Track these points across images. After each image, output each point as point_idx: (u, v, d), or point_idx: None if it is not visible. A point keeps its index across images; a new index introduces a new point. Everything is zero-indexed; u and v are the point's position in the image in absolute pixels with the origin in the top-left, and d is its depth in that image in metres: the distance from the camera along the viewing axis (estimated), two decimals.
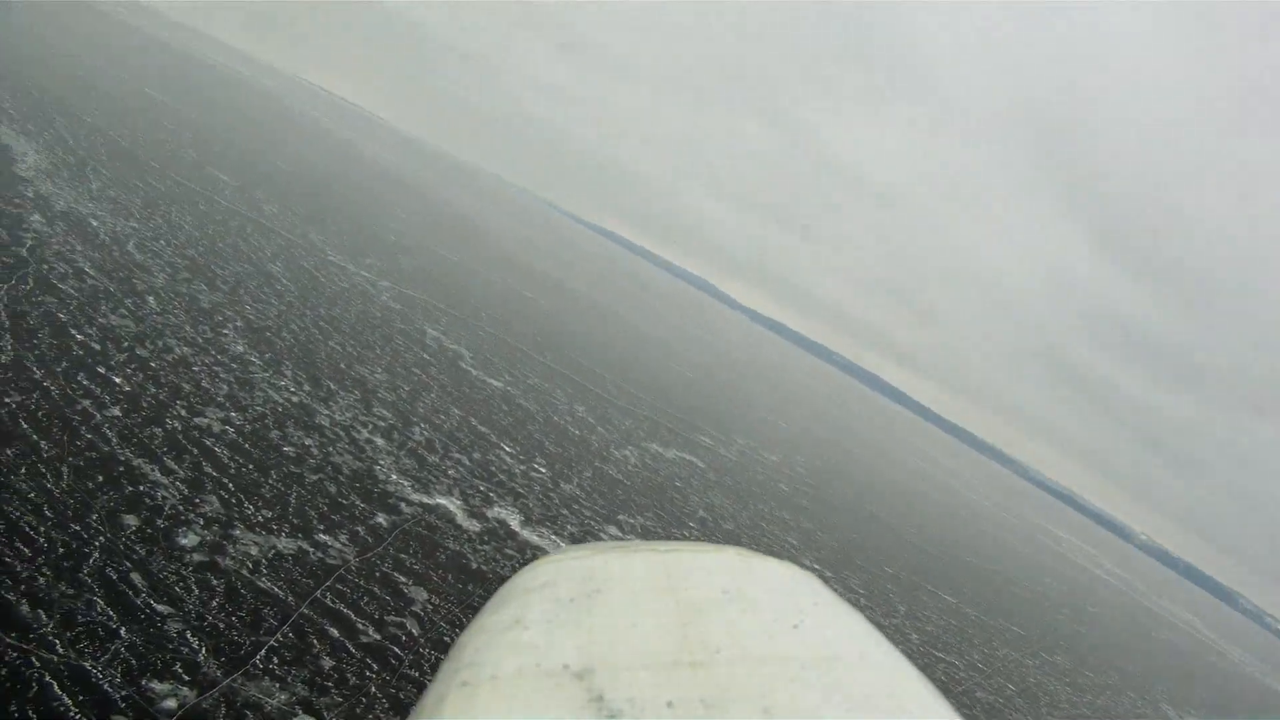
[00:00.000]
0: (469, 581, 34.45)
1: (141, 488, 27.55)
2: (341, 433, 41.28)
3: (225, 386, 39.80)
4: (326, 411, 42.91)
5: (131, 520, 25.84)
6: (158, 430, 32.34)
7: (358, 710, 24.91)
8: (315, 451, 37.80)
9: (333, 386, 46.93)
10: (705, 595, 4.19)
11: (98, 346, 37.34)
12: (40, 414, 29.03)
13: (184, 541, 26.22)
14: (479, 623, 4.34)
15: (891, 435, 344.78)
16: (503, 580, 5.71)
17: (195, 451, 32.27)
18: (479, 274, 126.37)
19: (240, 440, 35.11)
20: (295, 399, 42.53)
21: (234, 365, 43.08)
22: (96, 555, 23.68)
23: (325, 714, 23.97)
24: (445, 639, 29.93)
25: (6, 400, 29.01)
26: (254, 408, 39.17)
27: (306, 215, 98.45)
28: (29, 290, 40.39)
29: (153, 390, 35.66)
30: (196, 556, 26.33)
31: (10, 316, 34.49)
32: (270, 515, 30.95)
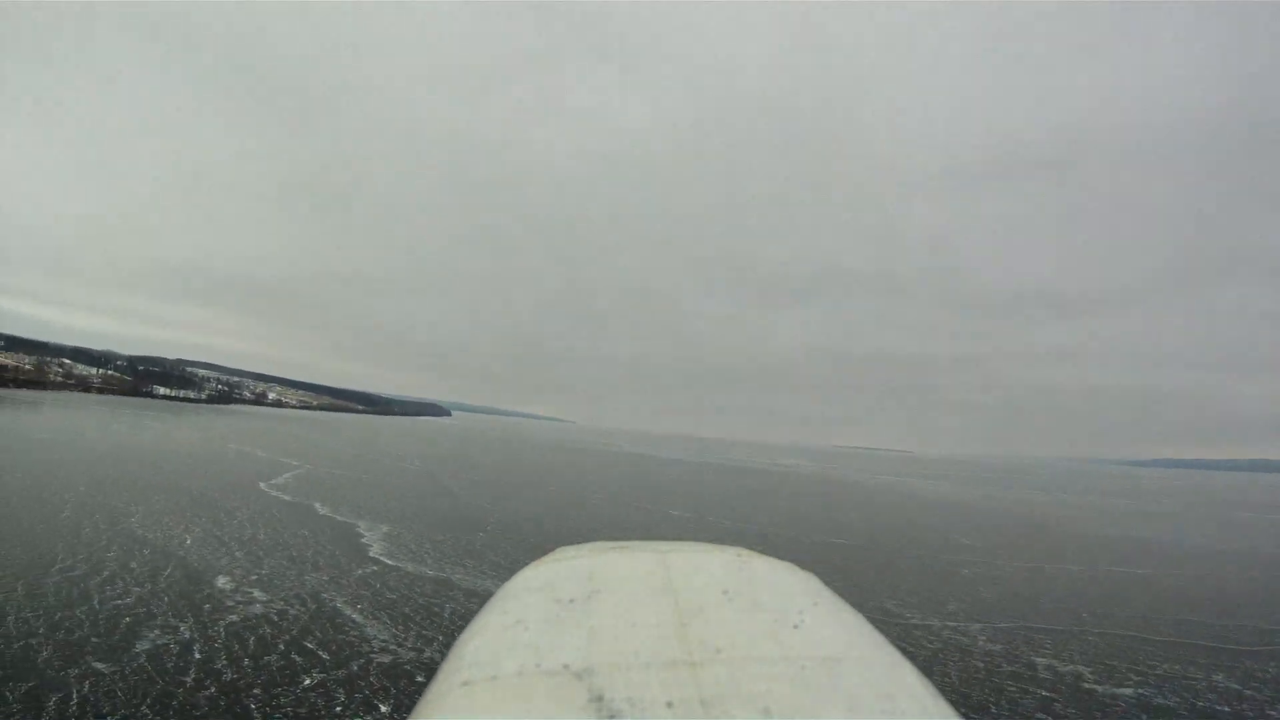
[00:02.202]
0: None
1: None
2: None
3: None
4: None
5: None
6: None
7: None
8: None
9: None
10: (705, 595, 4.50)
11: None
12: None
13: None
14: (479, 622, 4.74)
15: None
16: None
17: None
18: (1063, 573, 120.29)
19: None
20: None
21: None
22: None
23: None
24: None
25: None
26: None
27: (873, 583, 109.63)
28: None
29: None
30: None
31: None
32: None
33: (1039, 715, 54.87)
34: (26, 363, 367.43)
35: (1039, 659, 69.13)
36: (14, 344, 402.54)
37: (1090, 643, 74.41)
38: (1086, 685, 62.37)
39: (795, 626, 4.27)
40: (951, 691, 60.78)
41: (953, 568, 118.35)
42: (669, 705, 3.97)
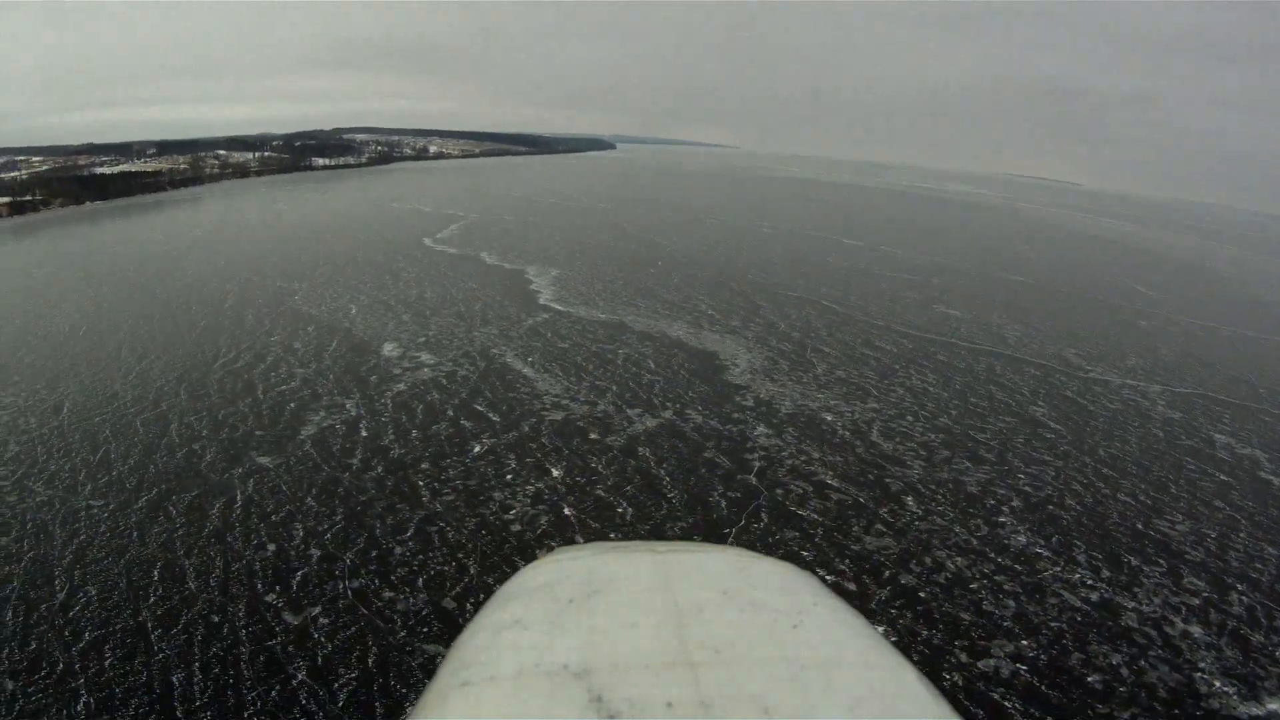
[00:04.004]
0: None
1: None
2: (1152, 632, 37.86)
3: (1011, 604, 38.55)
4: (1132, 604, 39.68)
5: None
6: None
7: None
8: (1125, 673, 35.13)
9: (1133, 562, 43.47)
10: (704, 596, 5.59)
11: (852, 586, 39.46)
12: None
13: None
14: (479, 622, 5.92)
15: None
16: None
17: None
18: (1240, 338, 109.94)
19: (1039, 683, 34.13)
20: (1094, 596, 39.95)
21: (1018, 567, 41.72)
22: None
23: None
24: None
25: None
26: (1048, 624, 37.42)
27: (1052, 327, 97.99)
28: (764, 528, 44.01)
29: (925, 633, 35.91)
30: None
31: None
32: None
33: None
34: (181, 162, 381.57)
35: (1218, 435, 64.58)
36: (165, 148, 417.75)
37: (1266, 424, 68.58)
38: (1263, 475, 57.03)
39: (794, 627, 5.20)
40: (1133, 459, 58.06)
41: (1131, 318, 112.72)
42: (669, 705, 4.47)
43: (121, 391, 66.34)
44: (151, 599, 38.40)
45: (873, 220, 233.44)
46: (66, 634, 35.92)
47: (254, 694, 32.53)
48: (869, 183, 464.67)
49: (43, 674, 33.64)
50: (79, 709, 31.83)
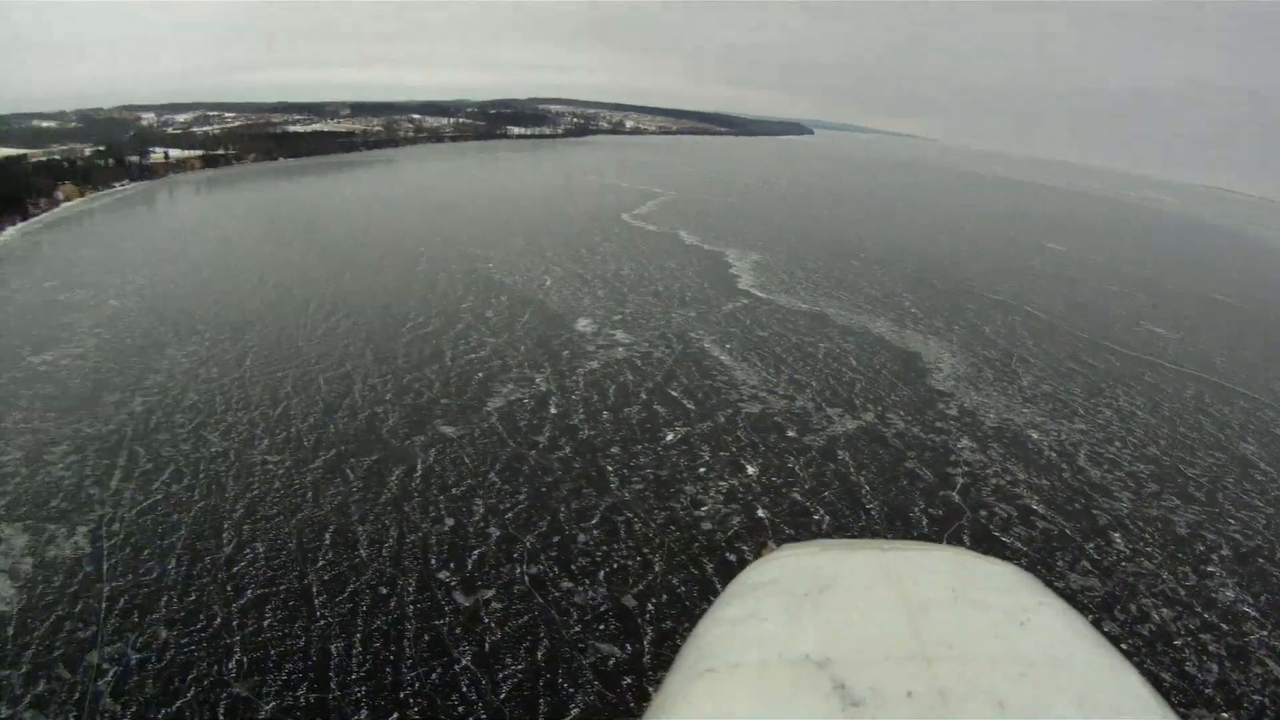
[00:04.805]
0: None
1: None
2: None
3: (1214, 668, 35.97)
4: None
5: None
6: None
7: None
8: None
9: None
10: (930, 593, 5.90)
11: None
12: None
13: None
14: (714, 615, 6.34)
15: None
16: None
17: None
18: None
19: None
20: None
21: (1224, 626, 38.92)
22: None
23: None
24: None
25: None
26: (1250, 696, 34.47)
27: (1263, 359, 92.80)
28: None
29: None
30: None
31: None
32: None
33: None
34: (375, 124, 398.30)
35: None
36: (359, 109, 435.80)
37: None
38: None
39: (1021, 625, 5.49)
40: None
41: None
42: (908, 695, 4.74)
43: (306, 348, 68.07)
44: (320, 563, 38.18)
45: (1077, 225, 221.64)
46: (228, 589, 36.14)
47: (414, 674, 31.65)
48: (1063, 184, 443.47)
49: (198, 626, 33.84)
50: (230, 666, 31.76)
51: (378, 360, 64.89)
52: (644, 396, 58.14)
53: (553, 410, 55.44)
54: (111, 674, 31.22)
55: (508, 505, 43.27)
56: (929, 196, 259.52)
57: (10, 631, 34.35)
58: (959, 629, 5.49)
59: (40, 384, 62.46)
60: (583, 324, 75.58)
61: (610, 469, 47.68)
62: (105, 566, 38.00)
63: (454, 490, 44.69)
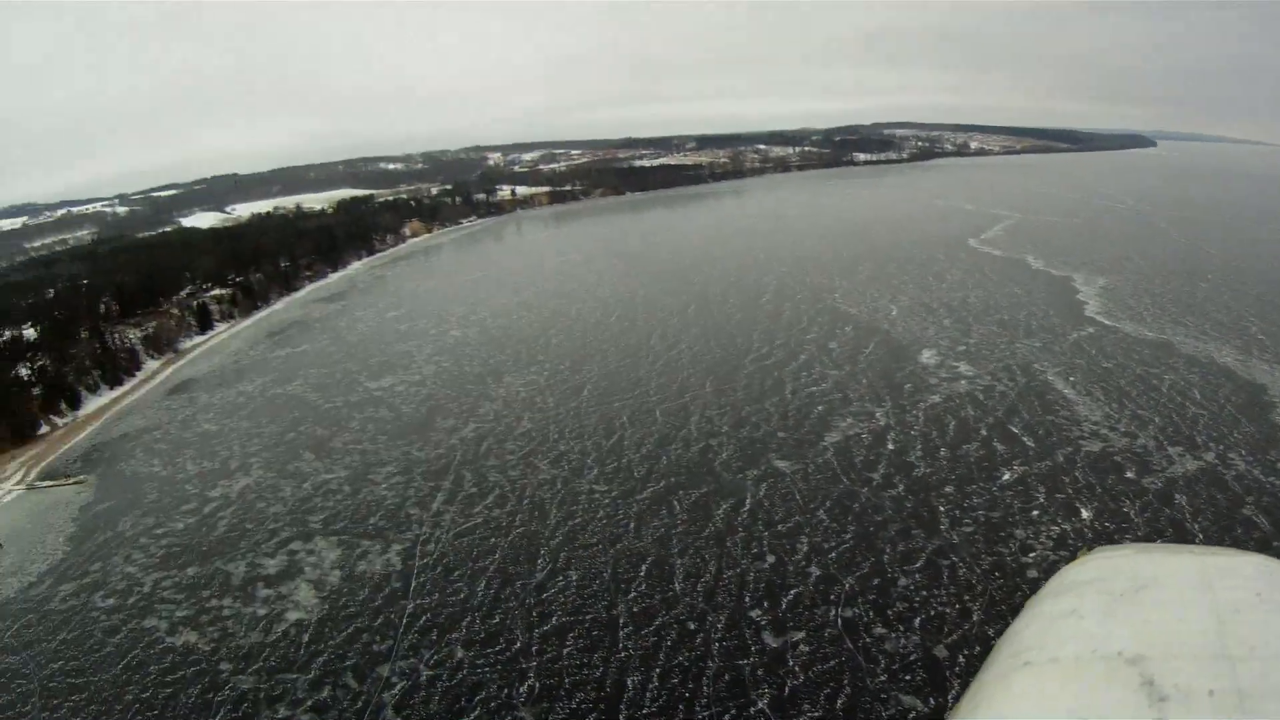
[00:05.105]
0: None
1: None
2: None
3: None
4: None
5: None
6: None
7: None
8: None
9: None
10: (1241, 597, 6.22)
11: None
12: None
13: None
14: (1035, 610, 7.00)
15: None
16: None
17: None
18: None
19: None
20: None
21: None
22: None
23: None
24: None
25: None
26: None
27: None
28: None
29: None
30: None
31: None
32: None
33: None
34: (721, 156, 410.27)
35: None
36: (705, 142, 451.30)
37: None
38: None
39: None
40: None
41: None
42: (1210, 694, 5.09)
43: (646, 379, 69.46)
44: (631, 594, 37.95)
45: None
46: (534, 614, 36.71)
47: (706, 713, 30.42)
48: None
49: (497, 648, 34.48)
50: (521, 690, 31.99)
51: (717, 392, 64.99)
52: (983, 433, 54.09)
53: (890, 446, 52.68)
54: (399, 687, 32.46)
55: (832, 544, 41.24)
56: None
57: (305, 638, 36.66)
58: (1264, 632, 5.74)
59: (374, 408, 68.00)
60: (926, 355, 72.36)
61: (942, 509, 44.51)
62: (413, 584, 39.91)
63: (780, 527, 43.22)
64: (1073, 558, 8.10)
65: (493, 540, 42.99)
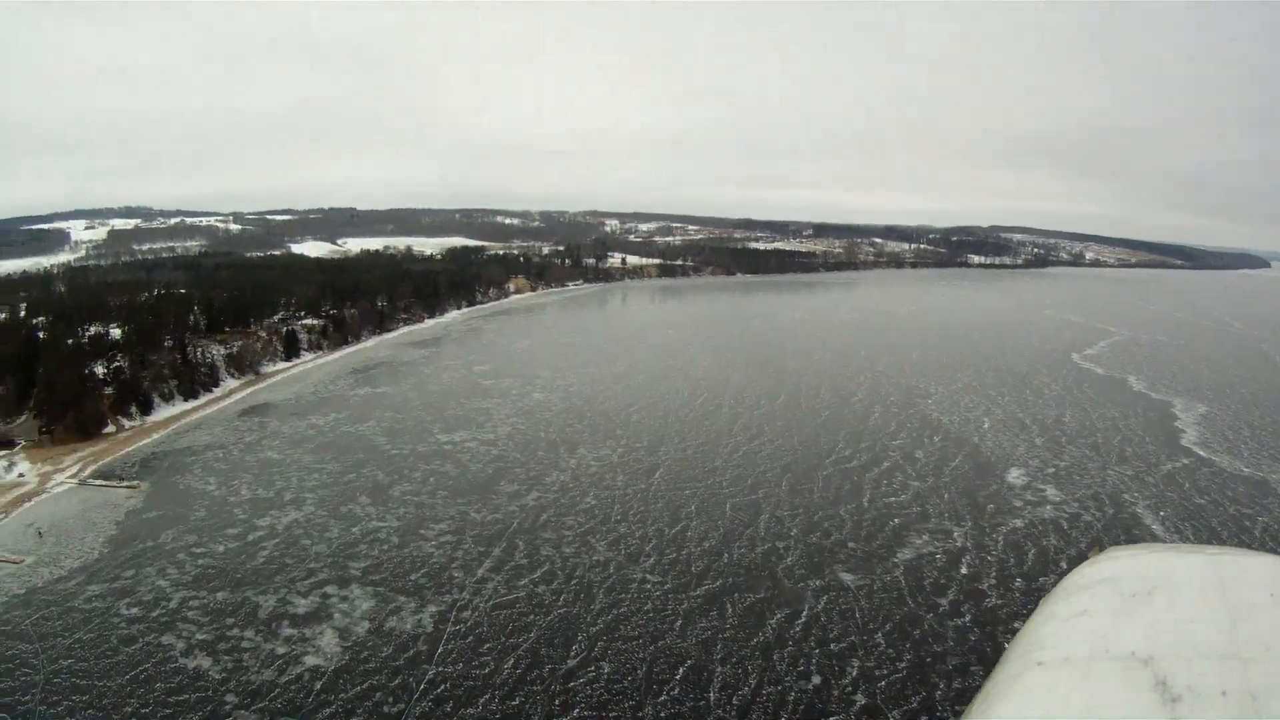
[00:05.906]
0: None
1: None
2: None
3: None
4: None
5: None
6: None
7: None
8: None
9: None
10: (1254, 597, 7.53)
11: None
12: None
13: None
14: (1047, 610, 9.42)
15: None
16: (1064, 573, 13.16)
17: None
18: None
19: None
20: None
21: None
22: None
23: None
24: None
25: None
26: None
27: None
28: None
29: None
30: None
31: None
32: None
33: None
34: (837, 245, 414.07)
35: None
36: (822, 230, 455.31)
37: None
38: None
39: None
40: None
41: None
42: (1223, 694, 5.59)
43: (721, 468, 68.22)
44: (663, 697, 36.42)
45: None
46: (556, 702, 35.47)
47: None
48: None
49: None
50: None
51: (792, 491, 63.43)
52: (1064, 565, 51.33)
53: (963, 570, 50.32)
54: None
55: (885, 671, 39.07)
56: None
57: (317, 686, 36.27)
58: (1277, 632, 6.70)
59: (440, 461, 67.86)
60: (1014, 474, 69.94)
61: (1006, 645, 41.89)
62: (439, 650, 39.22)
63: (833, 645, 41.19)
64: (1083, 557, 7.27)
65: (531, 617, 42.08)
